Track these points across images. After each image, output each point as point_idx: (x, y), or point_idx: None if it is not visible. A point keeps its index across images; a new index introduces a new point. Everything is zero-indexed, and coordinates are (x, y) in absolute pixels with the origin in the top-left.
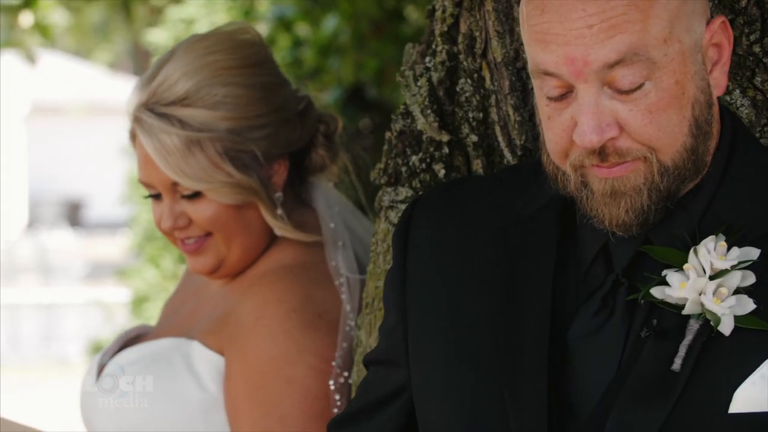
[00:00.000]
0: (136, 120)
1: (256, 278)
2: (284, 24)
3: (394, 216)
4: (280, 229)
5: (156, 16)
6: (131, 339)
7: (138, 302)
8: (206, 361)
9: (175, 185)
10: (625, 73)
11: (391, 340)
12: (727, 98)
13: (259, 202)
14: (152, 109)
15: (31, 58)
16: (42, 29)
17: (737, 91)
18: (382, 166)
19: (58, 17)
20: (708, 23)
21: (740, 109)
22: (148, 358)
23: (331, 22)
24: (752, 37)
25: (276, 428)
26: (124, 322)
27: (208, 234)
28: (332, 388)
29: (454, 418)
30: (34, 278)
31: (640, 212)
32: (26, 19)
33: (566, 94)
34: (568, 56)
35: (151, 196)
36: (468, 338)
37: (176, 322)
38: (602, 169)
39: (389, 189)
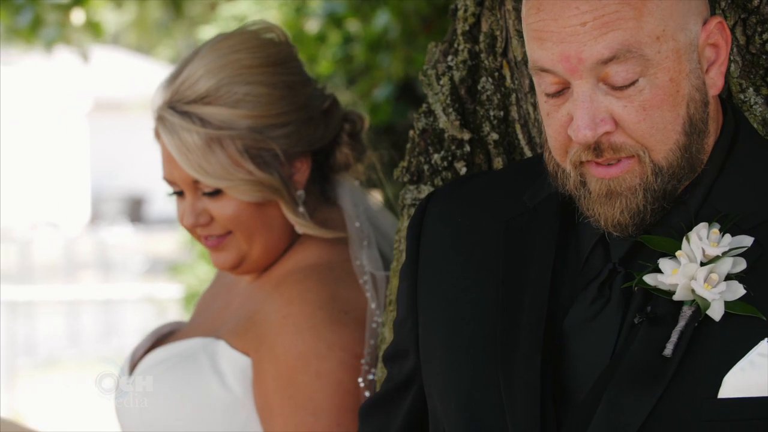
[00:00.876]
0: (159, 118)
1: (281, 278)
2: (335, 20)
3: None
4: (302, 226)
5: (211, 12)
6: (163, 336)
7: (190, 298)
8: (231, 362)
9: (196, 183)
10: (619, 70)
11: (402, 331)
12: (741, 96)
13: (279, 200)
14: (174, 107)
15: (84, 56)
16: (93, 27)
17: (751, 89)
18: (405, 164)
19: (117, 14)
20: (705, 23)
21: (754, 107)
22: (177, 357)
23: (381, 19)
24: (765, 36)
25: (309, 422)
26: (176, 317)
27: (229, 232)
28: (361, 385)
29: (454, 405)
30: (93, 274)
31: (635, 212)
32: (78, 16)
33: (563, 90)
34: (563, 53)
35: (174, 193)
36: (468, 327)
37: (207, 319)
38: (600, 168)
39: (411, 187)
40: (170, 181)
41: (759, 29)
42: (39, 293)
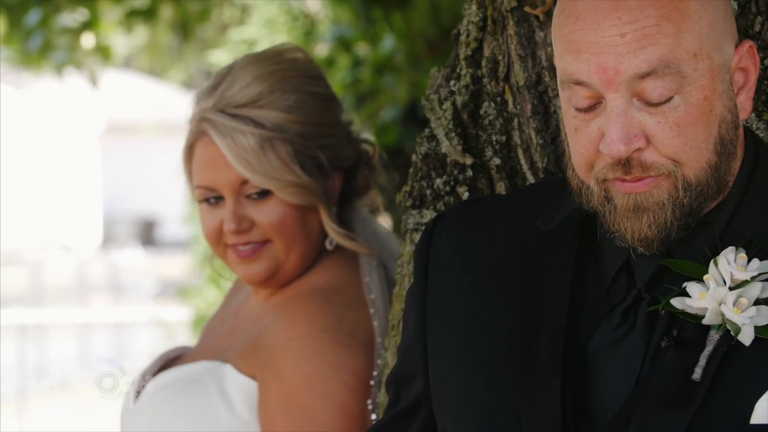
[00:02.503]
0: (208, 122)
1: (287, 301)
2: (344, 44)
3: (418, 238)
4: (338, 235)
5: (222, 35)
6: (170, 360)
7: (199, 321)
8: (238, 385)
9: (242, 186)
10: (656, 86)
11: (409, 354)
12: (744, 122)
13: (321, 207)
14: (224, 111)
15: (93, 80)
16: (103, 51)
17: (753, 114)
18: (407, 189)
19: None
20: (737, 46)
21: (756, 132)
22: (183, 381)
23: (387, 42)
24: (767, 62)
25: None
26: (185, 341)
27: (267, 240)
28: (369, 407)
29: (471, 429)
30: (105, 297)
31: (663, 227)
32: (87, 40)
33: (595, 105)
34: (600, 65)
35: (206, 200)
36: (484, 350)
37: (214, 343)
38: (626, 183)
39: (414, 212)
40: (209, 188)
41: (760, 55)
42: (50, 316)
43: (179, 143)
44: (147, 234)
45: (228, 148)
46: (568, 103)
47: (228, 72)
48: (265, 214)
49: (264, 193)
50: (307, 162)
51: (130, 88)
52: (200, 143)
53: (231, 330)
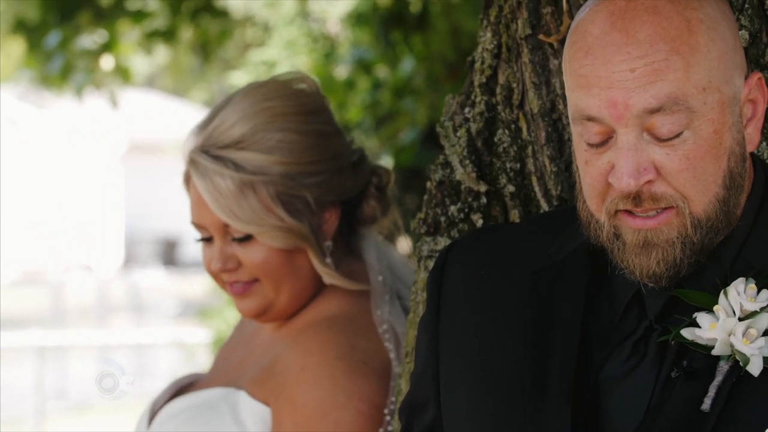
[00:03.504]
0: (191, 162)
1: (300, 329)
2: (364, 66)
3: (432, 266)
4: (329, 276)
5: (243, 55)
6: (183, 387)
7: (218, 343)
8: (252, 412)
9: (226, 227)
10: (665, 122)
11: (421, 382)
12: (754, 152)
13: (308, 249)
14: (207, 152)
15: (113, 101)
16: (122, 72)
17: (763, 143)
18: (422, 216)
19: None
20: (746, 78)
21: (766, 160)
22: (197, 407)
23: (407, 65)
24: None
25: None
26: (205, 362)
27: (255, 280)
28: None
29: None
30: (126, 317)
31: (672, 264)
32: (107, 62)
33: (607, 140)
34: (610, 99)
35: (202, 239)
36: (495, 378)
37: (227, 369)
38: (636, 220)
39: (428, 239)
40: (199, 226)
41: None
42: (71, 337)
43: None
44: (168, 254)
45: (207, 191)
46: (579, 137)
47: (223, 106)
48: (250, 256)
49: (247, 236)
50: (292, 202)
51: (152, 108)
52: (191, 181)
53: (245, 357)
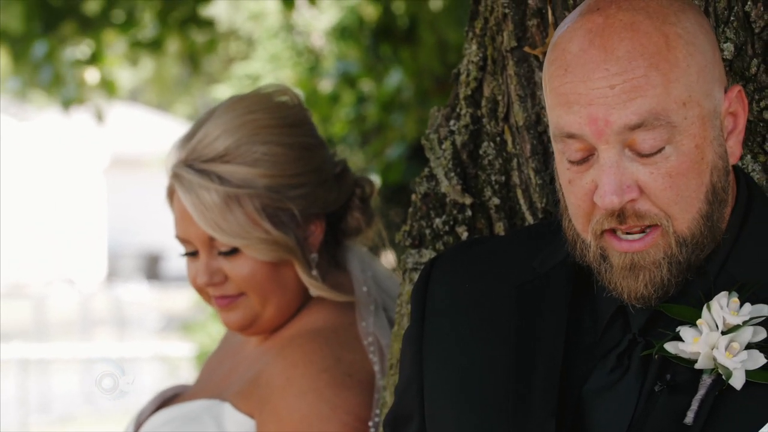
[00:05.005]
0: (175, 176)
1: (286, 341)
2: (348, 80)
3: (417, 278)
4: (316, 288)
5: (227, 69)
6: (168, 399)
7: (202, 357)
8: (236, 424)
9: (212, 241)
10: (646, 137)
11: (406, 395)
12: (739, 163)
13: (294, 261)
14: (191, 166)
15: (99, 115)
16: (108, 85)
17: (748, 156)
18: (406, 228)
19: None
20: (726, 91)
21: (752, 174)
22: (182, 419)
23: (394, 78)
24: (762, 104)
25: None
26: (188, 376)
27: (241, 293)
28: None
29: None
30: (109, 331)
31: (659, 286)
32: (92, 75)
33: (588, 157)
34: (590, 116)
35: (187, 254)
36: (479, 392)
37: (212, 382)
38: (623, 243)
39: (413, 251)
40: (184, 240)
41: (756, 97)
42: (53, 350)
43: None
44: (152, 268)
45: (192, 204)
46: (561, 155)
47: (206, 120)
48: (236, 269)
49: (233, 250)
50: (277, 215)
51: (136, 122)
52: (175, 195)
53: (230, 369)
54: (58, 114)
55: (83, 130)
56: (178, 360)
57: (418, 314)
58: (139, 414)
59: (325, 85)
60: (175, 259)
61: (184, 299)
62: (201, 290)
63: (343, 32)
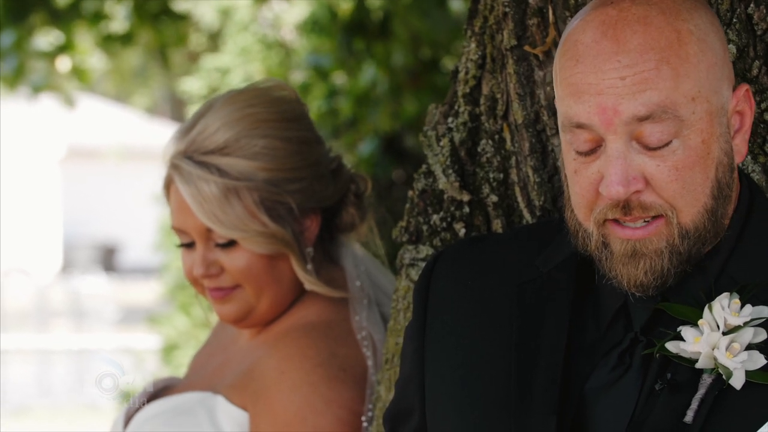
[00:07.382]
0: (175, 167)
1: (280, 335)
2: (320, 73)
3: (414, 274)
4: (310, 283)
5: (193, 62)
6: (159, 390)
7: (168, 350)
8: (229, 416)
9: (209, 233)
10: (654, 130)
11: (406, 390)
12: (739, 164)
13: (290, 255)
14: (191, 157)
15: (69, 102)
16: (79, 73)
17: (748, 157)
18: (404, 224)
19: (96, 61)
20: (734, 90)
21: (751, 174)
22: (174, 411)
23: (368, 73)
24: (763, 105)
25: None
26: (154, 369)
27: (237, 286)
28: None
29: None
30: (66, 323)
31: (659, 275)
32: (63, 63)
33: (595, 149)
34: (600, 105)
35: (183, 245)
36: (481, 388)
37: (204, 375)
38: (625, 230)
39: (410, 247)
40: (180, 231)
41: (757, 98)
42: (9, 342)
43: (142, 169)
44: (108, 260)
45: (191, 196)
46: (569, 146)
47: (205, 112)
48: (233, 261)
49: (231, 242)
50: (275, 208)
51: (93, 113)
52: (173, 186)
53: (222, 363)
54: (14, 104)
55: (39, 120)
56: (144, 353)
57: (419, 310)
58: (129, 405)
59: (296, 78)
60: (132, 251)
61: (143, 291)
62: (195, 282)
63: (314, 26)
